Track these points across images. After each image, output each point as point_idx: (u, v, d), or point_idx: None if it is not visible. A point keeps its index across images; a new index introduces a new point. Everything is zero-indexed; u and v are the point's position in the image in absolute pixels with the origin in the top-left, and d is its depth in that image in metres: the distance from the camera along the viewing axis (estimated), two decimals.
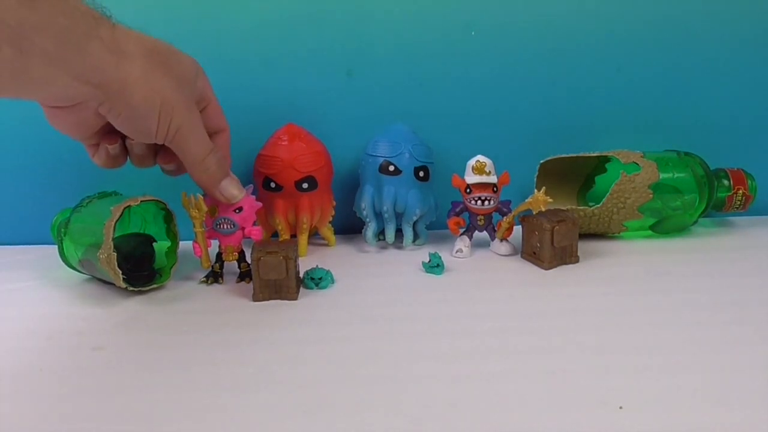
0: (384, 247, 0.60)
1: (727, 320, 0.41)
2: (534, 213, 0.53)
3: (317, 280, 0.49)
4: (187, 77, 0.42)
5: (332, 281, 0.50)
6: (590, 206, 0.59)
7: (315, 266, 0.50)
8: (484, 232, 0.57)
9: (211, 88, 0.47)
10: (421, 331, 0.41)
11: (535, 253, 0.53)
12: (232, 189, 0.47)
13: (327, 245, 0.61)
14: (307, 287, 0.49)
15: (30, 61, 0.31)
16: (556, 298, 0.46)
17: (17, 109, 0.61)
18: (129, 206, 0.47)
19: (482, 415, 0.31)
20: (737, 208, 0.61)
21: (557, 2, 0.62)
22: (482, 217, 0.56)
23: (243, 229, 0.50)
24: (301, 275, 0.49)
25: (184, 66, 0.42)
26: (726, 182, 0.61)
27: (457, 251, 0.56)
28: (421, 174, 0.57)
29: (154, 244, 0.54)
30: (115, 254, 0.45)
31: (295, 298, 0.47)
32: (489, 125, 0.64)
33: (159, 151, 0.46)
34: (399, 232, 0.59)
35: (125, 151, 0.45)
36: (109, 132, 0.43)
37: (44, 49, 0.31)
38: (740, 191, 0.60)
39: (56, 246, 0.52)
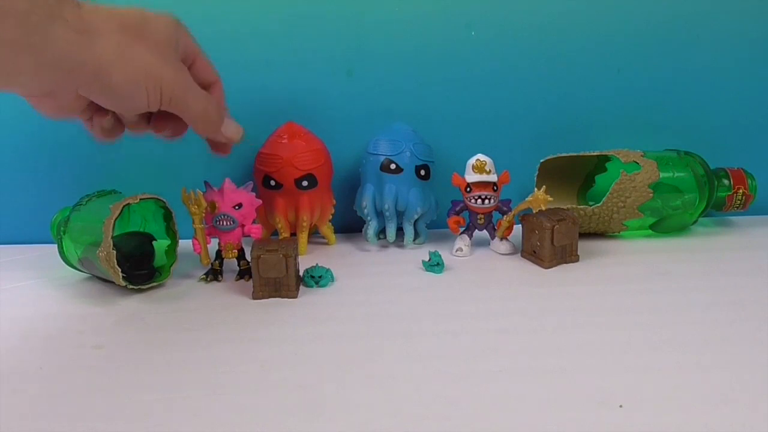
0: (384, 246, 0.60)
1: (727, 320, 0.41)
2: (534, 212, 0.53)
3: (317, 278, 0.49)
4: (167, 41, 0.40)
5: (332, 279, 0.50)
6: (590, 205, 0.59)
7: (315, 264, 0.50)
8: (484, 230, 0.57)
9: (194, 43, 0.45)
10: (421, 329, 0.41)
11: (535, 252, 0.53)
12: (231, 128, 0.46)
13: (327, 244, 0.61)
14: (307, 285, 0.49)
15: None
16: (556, 297, 0.46)
17: (16, 108, 0.61)
18: (128, 204, 0.47)
19: (482, 414, 0.31)
20: (737, 207, 0.61)
21: (557, 3, 0.62)
22: (482, 216, 0.56)
23: (242, 226, 0.50)
24: (300, 274, 0.49)
25: (161, 29, 0.40)
26: (726, 182, 0.61)
27: (457, 250, 0.56)
28: (422, 173, 0.57)
29: (154, 242, 0.54)
30: (115, 252, 0.45)
31: (295, 297, 0.47)
32: (489, 125, 0.64)
33: (152, 118, 0.44)
34: (399, 231, 0.59)
35: (120, 122, 0.43)
36: (99, 107, 0.41)
37: (7, 37, 0.30)
38: (740, 191, 0.60)
39: (56, 245, 0.52)
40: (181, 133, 0.45)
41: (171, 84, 0.39)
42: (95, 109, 0.41)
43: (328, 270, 0.50)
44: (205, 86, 0.46)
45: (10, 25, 0.30)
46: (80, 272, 0.53)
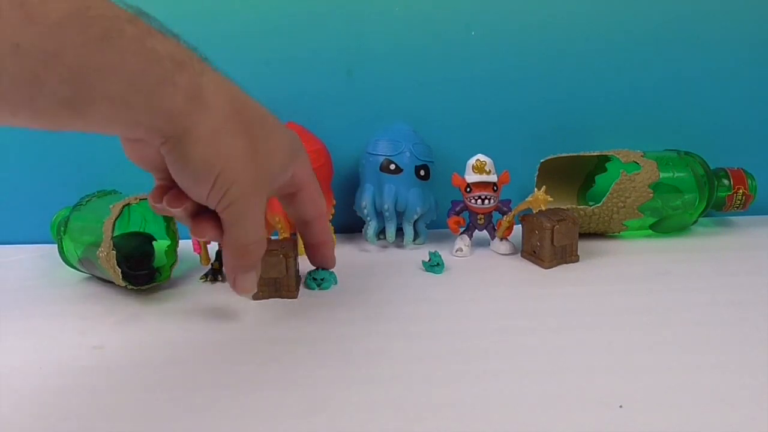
0: (384, 246, 0.60)
1: (727, 320, 0.41)
2: (534, 212, 0.53)
3: (319, 280, 0.48)
4: (272, 157, 0.37)
5: (335, 282, 0.49)
6: (590, 205, 0.59)
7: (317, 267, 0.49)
8: (484, 231, 0.57)
9: (308, 173, 0.41)
10: (421, 330, 0.41)
11: (535, 252, 0.53)
12: (248, 282, 0.40)
13: None
14: (308, 288, 0.49)
15: (90, 103, 0.29)
16: (556, 297, 0.46)
17: None
18: (128, 204, 0.48)
19: (482, 414, 0.31)
20: (737, 207, 0.61)
21: (557, 3, 0.62)
22: (482, 216, 0.56)
23: None
24: (300, 274, 0.49)
25: (274, 143, 0.37)
26: (726, 182, 0.61)
27: (457, 250, 0.56)
28: (422, 173, 0.57)
29: (154, 242, 0.54)
30: (115, 252, 0.45)
31: (295, 297, 0.47)
32: (489, 125, 0.64)
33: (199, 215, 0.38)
34: (399, 231, 0.59)
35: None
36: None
37: (107, 93, 0.29)
38: (740, 191, 0.60)
39: (56, 245, 0.52)
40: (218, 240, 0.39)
41: (238, 191, 0.35)
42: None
43: (331, 273, 0.49)
44: (305, 221, 0.43)
45: (113, 83, 0.28)
46: (80, 272, 0.53)
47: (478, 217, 0.56)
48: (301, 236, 0.45)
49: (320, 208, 0.43)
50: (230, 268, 0.39)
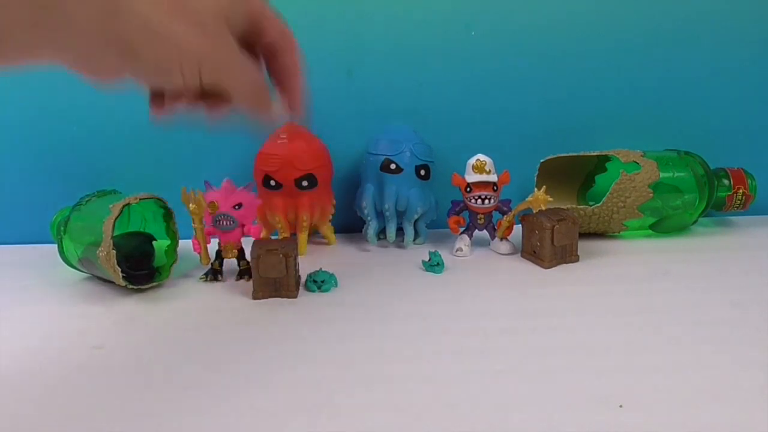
0: (384, 246, 0.60)
1: (727, 320, 0.41)
2: (534, 212, 0.53)
3: (320, 282, 0.48)
4: (215, 14, 0.35)
5: (335, 285, 0.49)
6: (590, 205, 0.59)
7: (318, 269, 0.49)
8: (484, 231, 0.57)
9: (259, 4, 0.39)
10: (421, 329, 0.41)
11: (535, 252, 0.53)
12: (274, 114, 0.39)
13: (327, 244, 0.61)
14: (309, 290, 0.48)
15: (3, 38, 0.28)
16: (556, 297, 0.46)
17: (17, 108, 0.61)
18: (128, 204, 0.48)
19: (482, 414, 0.31)
20: (737, 207, 0.61)
21: (557, 3, 0.62)
22: (482, 216, 0.56)
23: (242, 226, 0.50)
24: (300, 274, 0.49)
25: (209, 3, 0.35)
26: (726, 182, 0.61)
27: (457, 250, 0.56)
28: (422, 173, 0.57)
29: (154, 242, 0.54)
30: (115, 252, 0.45)
31: (295, 297, 0.47)
32: (489, 125, 0.64)
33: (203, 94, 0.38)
34: (399, 231, 0.59)
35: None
36: None
37: (19, 19, 0.28)
38: (740, 191, 0.60)
39: (56, 245, 0.52)
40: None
41: (212, 61, 0.34)
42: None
43: (331, 275, 0.49)
44: (272, 53, 0.41)
45: (19, 7, 0.28)
46: (80, 272, 0.53)
47: (478, 216, 0.56)
48: (270, 73, 0.41)
49: (288, 38, 0.41)
50: (262, 108, 0.38)
